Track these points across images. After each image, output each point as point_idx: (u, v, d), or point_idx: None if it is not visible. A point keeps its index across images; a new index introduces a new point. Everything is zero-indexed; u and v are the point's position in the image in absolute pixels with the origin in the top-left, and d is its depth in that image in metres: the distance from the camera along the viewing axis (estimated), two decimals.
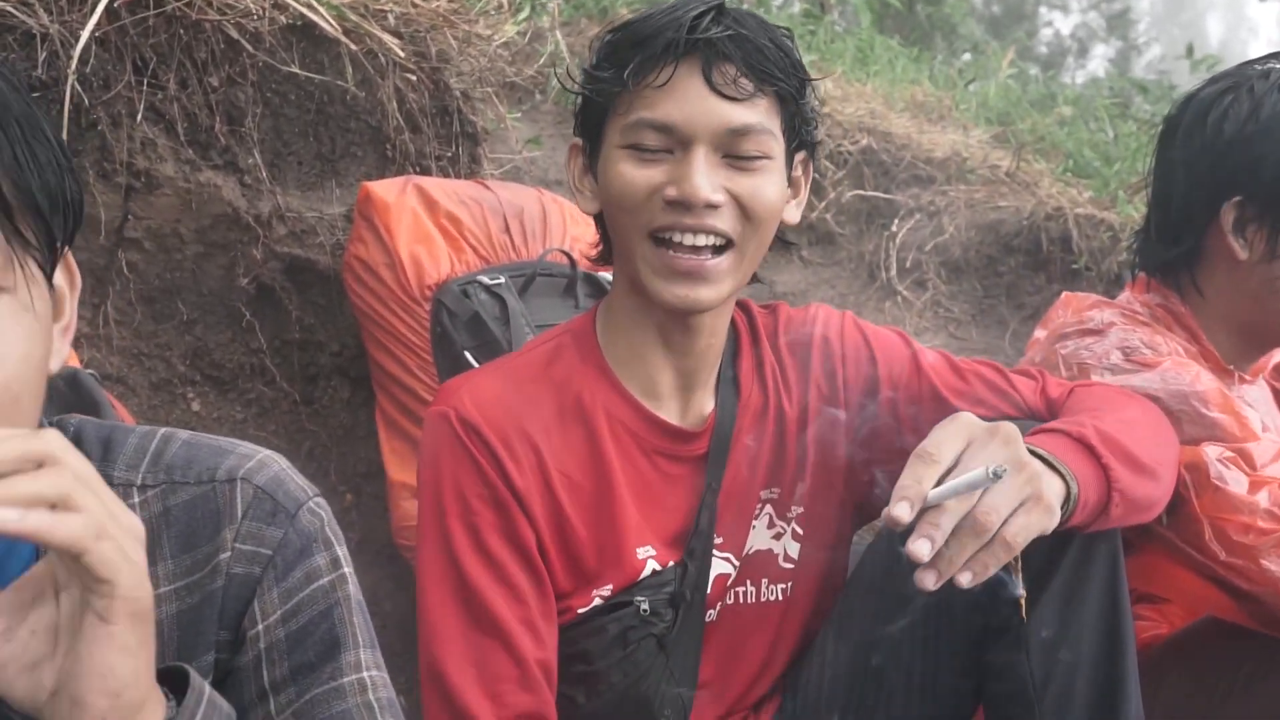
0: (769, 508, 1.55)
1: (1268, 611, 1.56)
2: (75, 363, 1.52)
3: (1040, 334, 1.83)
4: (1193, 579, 1.62)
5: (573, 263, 1.97)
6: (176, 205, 1.97)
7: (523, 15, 2.99)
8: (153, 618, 0.80)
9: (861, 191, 3.76)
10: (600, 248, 1.56)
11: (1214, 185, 1.71)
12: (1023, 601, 1.31)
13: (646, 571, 1.48)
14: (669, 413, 1.51)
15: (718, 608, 1.53)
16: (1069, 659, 1.40)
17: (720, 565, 1.52)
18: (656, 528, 1.49)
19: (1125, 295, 1.85)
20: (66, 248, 0.94)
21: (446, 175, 2.28)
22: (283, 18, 2.01)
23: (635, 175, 1.39)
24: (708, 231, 1.38)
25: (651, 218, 1.40)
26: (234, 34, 1.96)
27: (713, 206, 1.37)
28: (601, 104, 1.43)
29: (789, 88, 1.41)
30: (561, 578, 1.45)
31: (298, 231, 2.11)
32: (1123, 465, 1.36)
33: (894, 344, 1.60)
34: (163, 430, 1.04)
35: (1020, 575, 1.27)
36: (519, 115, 2.99)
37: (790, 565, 1.57)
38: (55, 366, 0.94)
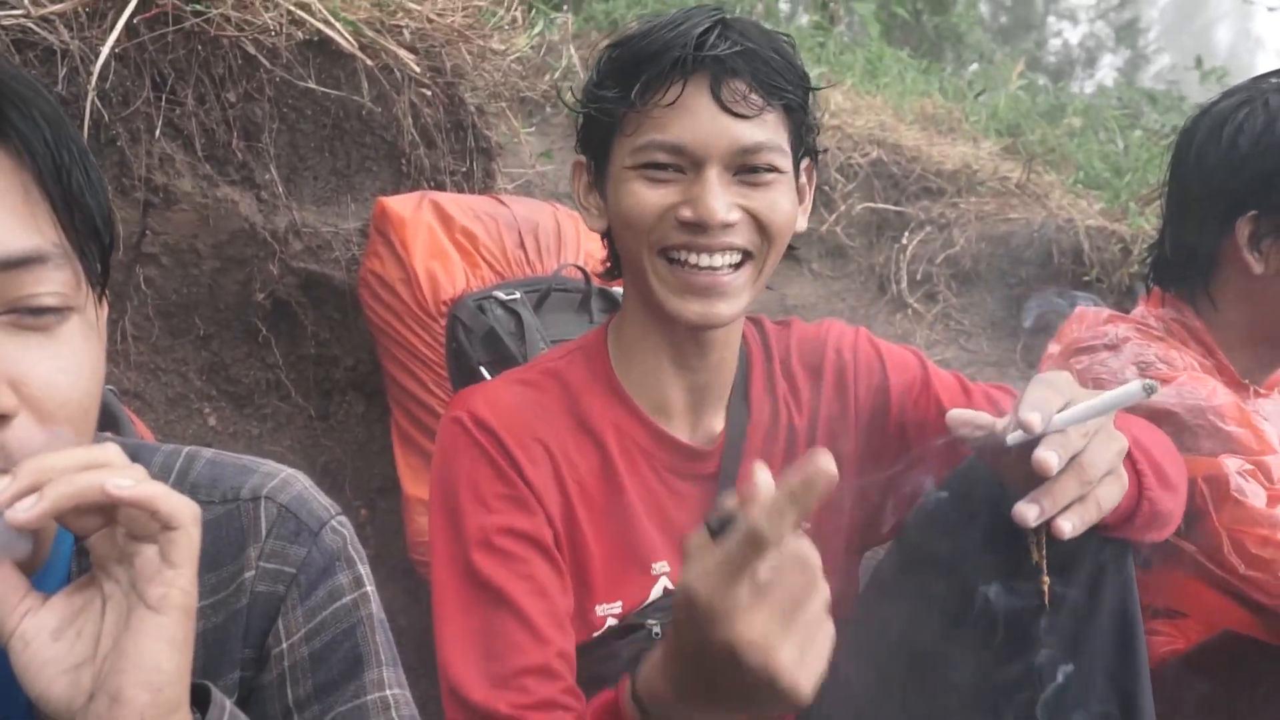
0: None
1: None
2: None
3: (1054, 349, 1.83)
4: (1210, 593, 1.61)
5: (587, 278, 1.96)
6: (194, 220, 1.98)
7: (535, 30, 3.00)
8: (195, 620, 0.82)
9: (872, 204, 3.76)
10: (608, 264, 1.55)
11: (1229, 200, 1.72)
12: (1045, 586, 1.31)
13: (658, 591, 1.47)
14: (679, 430, 1.50)
15: None
16: (1082, 674, 1.40)
17: None
18: (669, 545, 1.48)
19: (1139, 310, 1.85)
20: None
21: (461, 190, 2.28)
22: (300, 33, 2.01)
23: (647, 196, 1.38)
24: (724, 249, 1.38)
25: (664, 236, 1.38)
26: (251, 50, 1.97)
27: (728, 226, 1.37)
28: (607, 122, 1.42)
29: (796, 99, 1.40)
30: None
31: (313, 247, 2.11)
32: (1154, 475, 1.35)
33: (908, 362, 1.59)
34: (187, 449, 1.05)
35: (1045, 561, 1.28)
36: (531, 128, 3.00)
37: None
38: None
